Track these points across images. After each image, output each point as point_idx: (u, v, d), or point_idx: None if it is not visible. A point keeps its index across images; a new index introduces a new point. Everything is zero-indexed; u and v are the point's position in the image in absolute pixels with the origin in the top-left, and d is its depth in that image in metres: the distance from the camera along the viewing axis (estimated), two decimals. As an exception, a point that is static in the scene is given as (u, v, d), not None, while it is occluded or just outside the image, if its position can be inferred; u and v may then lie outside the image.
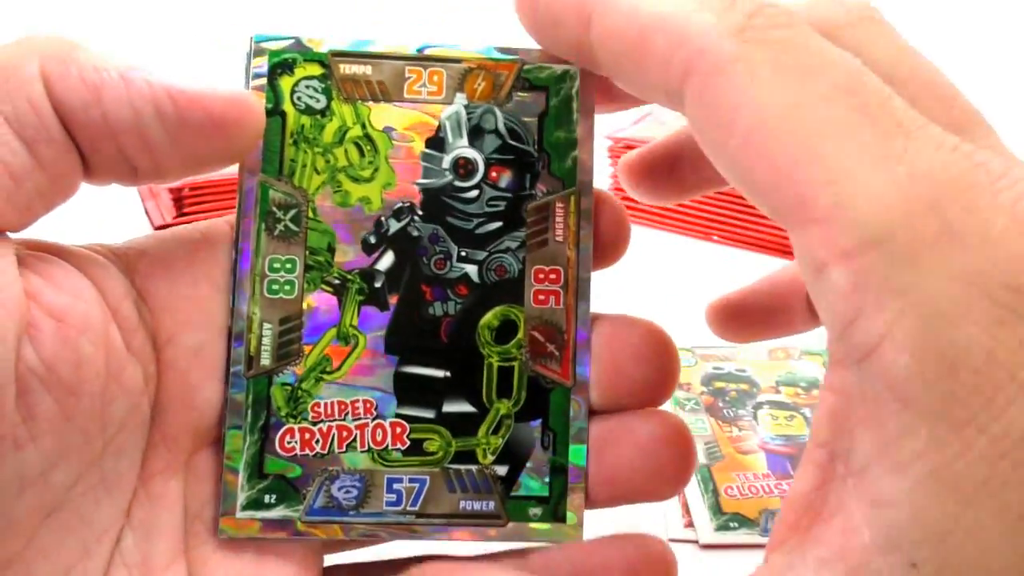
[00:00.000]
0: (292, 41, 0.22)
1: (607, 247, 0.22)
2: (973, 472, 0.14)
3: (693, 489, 0.39)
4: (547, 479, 0.22)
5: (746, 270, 0.71)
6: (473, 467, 0.22)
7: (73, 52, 0.18)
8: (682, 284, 0.62)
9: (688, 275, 0.66)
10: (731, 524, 0.37)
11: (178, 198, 0.65)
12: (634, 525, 0.37)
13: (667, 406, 0.47)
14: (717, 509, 0.38)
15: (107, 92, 0.18)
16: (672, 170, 0.25)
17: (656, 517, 0.38)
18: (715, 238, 0.75)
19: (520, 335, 0.22)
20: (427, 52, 0.22)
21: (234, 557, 0.21)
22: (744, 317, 0.26)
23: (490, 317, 0.22)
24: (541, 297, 0.22)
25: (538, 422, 0.22)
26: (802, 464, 0.17)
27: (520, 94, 0.22)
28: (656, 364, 0.22)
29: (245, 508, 0.21)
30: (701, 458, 0.41)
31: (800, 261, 0.16)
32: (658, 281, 0.62)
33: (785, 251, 0.71)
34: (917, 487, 0.15)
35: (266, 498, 0.21)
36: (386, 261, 0.22)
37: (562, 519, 0.22)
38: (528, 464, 0.22)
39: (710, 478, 0.40)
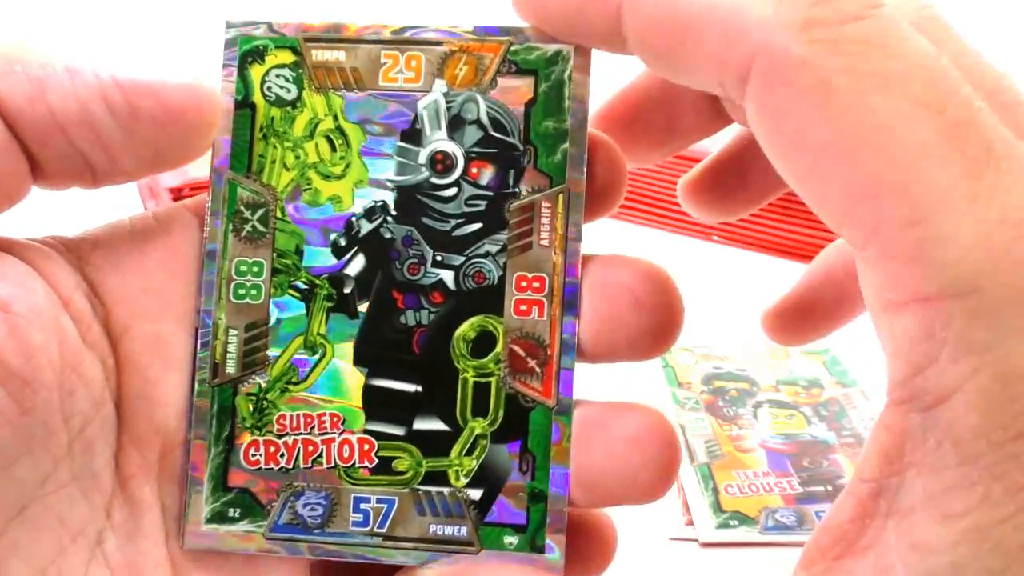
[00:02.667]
0: (263, 26, 0.20)
1: (601, 193, 0.20)
2: (1019, 534, 0.15)
3: (693, 487, 0.39)
4: (525, 506, 0.20)
5: (746, 270, 0.71)
6: (445, 490, 0.20)
7: (17, 50, 0.17)
8: (682, 284, 0.62)
9: (688, 275, 0.66)
10: (731, 522, 0.37)
11: (178, 198, 0.65)
12: (633, 523, 0.37)
13: (668, 404, 0.47)
14: (717, 507, 0.38)
15: (52, 86, 0.17)
16: (742, 178, 0.23)
17: (656, 515, 0.38)
18: (715, 238, 0.75)
19: (499, 348, 0.20)
20: (406, 36, 0.20)
21: (223, 563, 0.20)
22: (807, 317, 0.25)
23: (466, 328, 0.20)
24: (523, 307, 0.20)
25: (517, 444, 0.20)
26: (843, 494, 0.17)
27: (506, 79, 0.20)
28: (656, 311, 0.19)
29: (209, 521, 0.20)
30: (701, 456, 0.41)
31: (867, 291, 0.16)
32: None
33: (785, 251, 0.71)
34: (962, 540, 0.15)
35: (230, 511, 0.20)
36: (356, 265, 0.21)
37: (540, 550, 0.20)
38: (504, 489, 0.20)
39: (710, 476, 0.40)
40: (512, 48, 0.20)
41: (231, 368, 0.20)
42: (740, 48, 0.16)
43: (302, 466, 0.20)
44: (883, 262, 0.15)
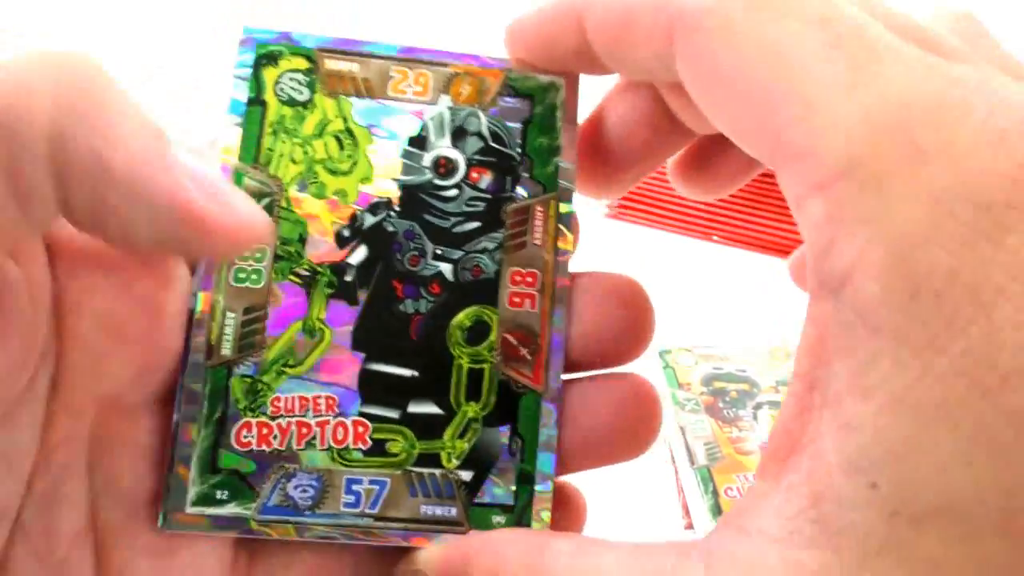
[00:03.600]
0: (280, 35, 0.22)
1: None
2: (931, 394, 0.15)
3: (693, 490, 0.39)
4: (513, 487, 0.21)
5: (746, 270, 0.71)
6: (436, 471, 0.21)
7: (91, 99, 0.16)
8: (682, 284, 0.62)
9: (688, 275, 0.66)
10: (731, 525, 0.36)
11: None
12: (632, 525, 0.37)
13: (668, 406, 0.47)
14: (717, 510, 0.37)
15: (114, 174, 0.16)
16: (725, 154, 0.25)
17: (655, 518, 0.37)
18: (715, 238, 0.74)
19: (492, 337, 0.21)
20: (415, 56, 0.22)
21: (144, 531, 0.20)
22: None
23: (462, 317, 0.22)
24: (516, 299, 0.22)
25: (507, 427, 0.21)
26: (786, 396, 0.18)
27: (505, 100, 0.22)
28: (638, 309, 0.22)
29: (195, 504, 0.20)
30: (701, 459, 0.40)
31: (787, 198, 0.17)
32: (658, 281, 0.61)
33: (785, 251, 0.71)
34: (880, 411, 0.15)
35: (218, 494, 0.20)
36: (358, 255, 0.22)
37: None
38: (494, 470, 0.21)
39: (710, 479, 0.39)
40: (511, 75, 0.22)
41: (226, 350, 0.21)
42: (665, 15, 0.18)
43: (295, 448, 0.21)
44: (787, 163, 0.16)
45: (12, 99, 0.16)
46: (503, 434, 0.21)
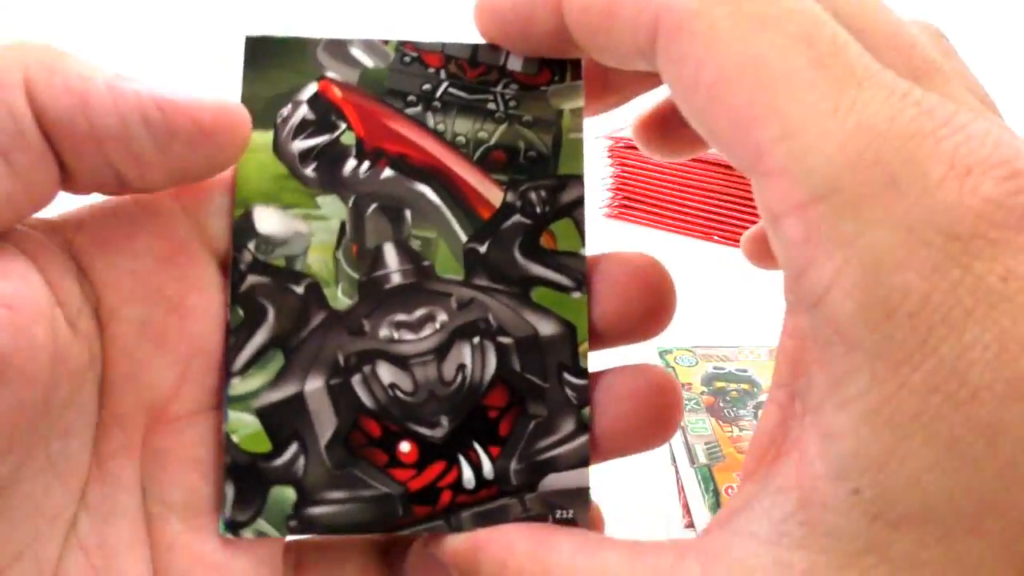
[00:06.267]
0: None
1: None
2: (907, 406, 0.16)
3: (694, 489, 0.39)
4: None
5: (746, 270, 0.71)
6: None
7: (60, 60, 0.17)
8: (682, 284, 0.62)
9: (688, 275, 0.66)
10: (732, 524, 0.36)
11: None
12: (633, 525, 0.37)
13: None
14: (717, 509, 0.37)
15: (93, 100, 0.17)
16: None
17: (656, 517, 0.38)
18: (715, 238, 0.74)
19: None
20: None
21: (201, 541, 0.20)
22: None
23: None
24: None
25: None
26: (767, 403, 0.19)
27: None
28: (654, 299, 0.22)
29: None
30: (701, 458, 0.41)
31: (760, 209, 0.17)
32: (658, 281, 0.61)
33: (785, 251, 0.71)
34: (860, 421, 0.16)
35: None
36: None
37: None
38: None
39: (711, 478, 0.40)
40: None
41: None
42: (648, 11, 0.18)
43: None
44: (765, 179, 0.17)
45: None
46: None
